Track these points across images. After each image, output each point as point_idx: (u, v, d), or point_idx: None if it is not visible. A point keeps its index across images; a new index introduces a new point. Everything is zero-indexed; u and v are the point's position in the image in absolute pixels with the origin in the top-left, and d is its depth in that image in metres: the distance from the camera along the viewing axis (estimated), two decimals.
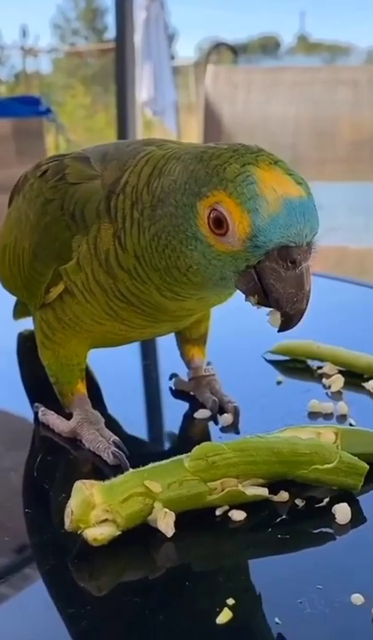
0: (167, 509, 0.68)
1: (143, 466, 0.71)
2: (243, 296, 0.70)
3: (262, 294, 0.68)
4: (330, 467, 0.72)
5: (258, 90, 3.02)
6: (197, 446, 0.72)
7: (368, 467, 0.73)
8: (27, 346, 1.14)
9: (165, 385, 1.00)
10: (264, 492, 0.72)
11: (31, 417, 0.93)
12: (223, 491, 0.71)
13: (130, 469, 0.71)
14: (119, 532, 0.67)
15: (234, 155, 0.68)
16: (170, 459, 0.72)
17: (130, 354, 1.11)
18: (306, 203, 0.66)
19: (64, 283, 0.81)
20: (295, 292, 0.66)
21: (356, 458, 0.73)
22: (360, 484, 0.73)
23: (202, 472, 0.70)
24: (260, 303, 0.69)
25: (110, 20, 12.85)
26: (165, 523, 0.68)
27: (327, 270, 2.82)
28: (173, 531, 0.68)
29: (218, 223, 0.67)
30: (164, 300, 0.77)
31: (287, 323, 0.69)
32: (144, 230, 0.74)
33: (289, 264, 0.66)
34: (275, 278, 0.66)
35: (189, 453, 0.72)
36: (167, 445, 0.89)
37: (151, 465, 0.71)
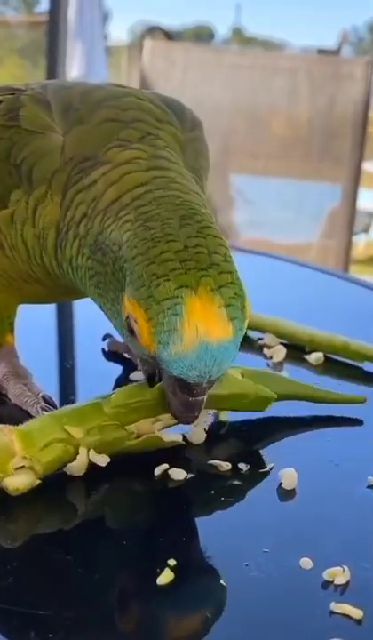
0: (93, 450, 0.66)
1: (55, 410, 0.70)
2: None
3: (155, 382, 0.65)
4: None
5: (196, 70, 2.98)
6: (118, 390, 0.69)
7: (276, 396, 0.76)
8: None
9: (97, 346, 0.95)
10: (178, 438, 0.70)
11: None
12: (139, 437, 0.68)
13: (44, 412, 0.69)
14: (38, 481, 0.64)
15: (179, 266, 0.58)
16: (87, 401, 0.69)
17: (59, 313, 1.06)
18: (225, 347, 0.58)
19: None
20: (185, 411, 0.62)
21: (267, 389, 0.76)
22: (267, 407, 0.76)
23: (122, 417, 0.68)
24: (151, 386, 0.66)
25: None
26: (97, 457, 0.66)
27: None
28: (108, 460, 0.66)
29: (130, 329, 0.61)
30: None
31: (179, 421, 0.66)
32: (82, 255, 0.66)
33: (181, 389, 0.61)
34: (171, 391, 0.62)
35: (106, 395, 0.69)
36: None
37: (68, 407, 0.68)
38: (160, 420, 0.70)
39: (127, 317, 0.61)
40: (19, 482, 0.62)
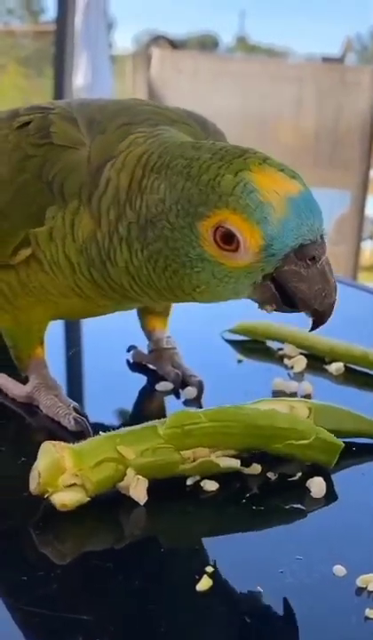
0: (140, 476, 0.66)
1: (111, 432, 0.69)
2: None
3: (280, 301, 0.66)
4: (306, 442, 0.70)
5: (203, 77, 3.00)
6: (173, 413, 0.69)
7: (343, 445, 0.72)
8: None
9: (122, 357, 0.97)
10: (236, 463, 0.70)
11: None
12: (195, 461, 0.69)
13: (101, 433, 0.68)
14: (88, 499, 0.64)
15: (221, 163, 0.64)
16: (144, 424, 0.69)
17: (86, 326, 1.08)
18: (307, 196, 0.64)
19: (32, 248, 0.76)
20: (321, 287, 0.64)
21: (332, 435, 0.72)
22: (334, 460, 0.72)
23: (176, 440, 0.68)
24: (278, 310, 0.67)
25: (48, 2, 12.64)
26: (138, 490, 0.65)
27: None
28: (146, 498, 0.65)
29: (228, 240, 0.64)
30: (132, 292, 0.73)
31: (319, 320, 0.67)
32: (136, 252, 0.69)
33: (309, 262, 0.64)
34: (298, 280, 0.64)
35: (163, 420, 0.69)
36: (127, 418, 0.86)
37: (124, 429, 0.68)
38: (218, 449, 0.70)
39: (214, 235, 0.64)
40: (67, 498, 0.63)
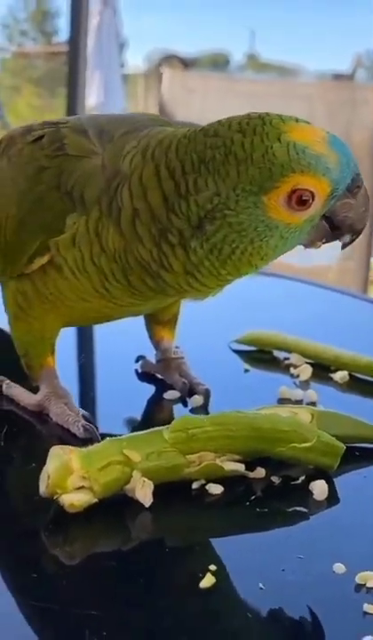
0: (145, 479, 0.68)
1: (118, 436, 0.71)
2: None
3: (331, 234, 0.74)
4: (308, 445, 0.72)
5: (214, 97, 3.04)
6: (177, 418, 0.71)
7: (344, 447, 0.74)
8: None
9: (131, 367, 0.99)
10: (241, 467, 0.72)
11: None
12: (201, 464, 0.70)
13: (108, 438, 0.70)
14: (96, 500, 0.66)
15: (259, 137, 0.68)
16: (150, 429, 0.71)
17: (96, 335, 1.10)
18: (333, 135, 0.70)
19: (50, 255, 0.79)
20: (365, 208, 0.73)
21: (334, 438, 0.73)
22: (336, 464, 0.73)
23: (182, 444, 0.70)
24: (327, 242, 0.75)
25: (60, 23, 12.78)
26: (143, 492, 0.67)
27: None
28: (151, 500, 0.67)
29: (302, 200, 0.69)
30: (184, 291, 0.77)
31: (356, 236, 0.75)
32: (194, 249, 0.72)
33: (356, 189, 0.71)
34: (347, 209, 0.72)
35: (168, 425, 0.71)
36: (135, 425, 0.88)
37: (130, 434, 0.70)
38: (224, 455, 0.72)
39: (288, 200, 0.68)
40: (75, 499, 0.65)
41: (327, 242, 0.75)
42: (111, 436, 0.72)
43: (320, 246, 0.75)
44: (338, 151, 0.69)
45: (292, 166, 0.67)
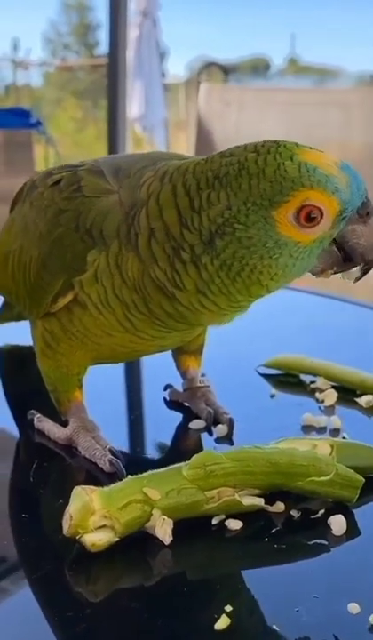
0: (165, 517, 0.69)
1: (139, 474, 0.72)
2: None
3: (341, 262, 0.75)
4: (326, 479, 0.73)
5: (250, 109, 3.04)
6: (196, 455, 0.72)
7: (363, 480, 0.74)
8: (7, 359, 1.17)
9: (159, 396, 1.01)
10: (260, 502, 0.73)
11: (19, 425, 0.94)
12: (220, 500, 0.72)
13: (129, 476, 0.72)
14: (117, 539, 0.68)
15: (272, 156, 0.70)
16: (169, 466, 0.72)
17: (125, 365, 1.12)
18: (345, 162, 0.72)
19: (74, 293, 0.81)
20: None
21: (352, 471, 0.74)
22: (355, 496, 0.74)
23: (200, 480, 0.71)
24: (337, 271, 0.76)
25: (102, 35, 12.90)
26: (163, 530, 0.69)
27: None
28: (170, 538, 0.69)
29: (310, 217, 0.70)
30: (200, 315, 0.78)
31: (370, 267, 0.75)
32: (205, 265, 0.73)
33: (366, 216, 0.72)
34: (358, 236, 0.73)
35: (188, 462, 0.72)
36: (162, 455, 0.90)
37: (150, 472, 0.72)
38: (243, 489, 0.73)
39: (297, 216, 0.70)
40: (97, 538, 0.67)
41: (337, 271, 0.76)
42: (138, 465, 0.74)
43: (330, 276, 0.76)
44: (349, 175, 0.71)
45: (302, 181, 0.69)
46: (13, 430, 0.95)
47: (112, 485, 0.70)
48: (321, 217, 0.71)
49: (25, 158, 4.98)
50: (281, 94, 3.14)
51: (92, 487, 0.69)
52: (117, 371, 1.11)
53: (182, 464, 0.72)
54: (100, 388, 1.03)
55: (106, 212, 0.79)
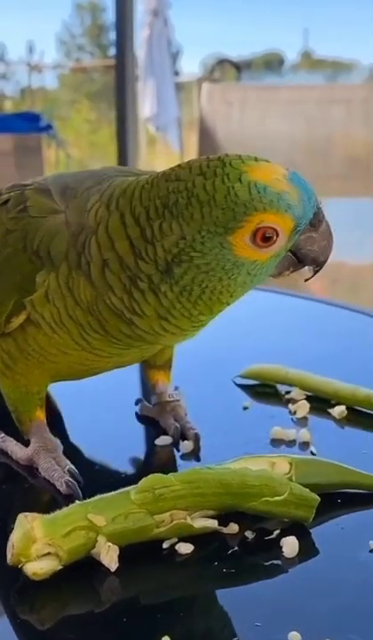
0: (110, 543, 0.67)
1: (98, 494, 0.71)
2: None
3: (297, 264, 0.75)
4: (281, 499, 0.71)
5: (253, 107, 3.02)
6: (144, 478, 0.70)
7: (319, 499, 0.72)
8: None
9: (131, 410, 0.99)
10: (213, 523, 0.71)
11: None
12: (171, 522, 0.70)
13: (77, 502, 0.70)
14: (61, 567, 0.66)
15: (219, 179, 0.68)
16: (118, 490, 0.71)
17: (97, 379, 1.11)
18: (293, 172, 0.71)
19: (26, 313, 0.80)
20: (327, 242, 0.74)
21: (308, 490, 0.72)
22: (311, 516, 0.72)
23: (149, 504, 0.69)
24: (294, 271, 0.76)
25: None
26: (109, 557, 0.67)
27: (322, 286, 2.82)
28: (117, 565, 0.67)
29: (267, 237, 0.69)
30: (161, 337, 0.77)
31: (320, 268, 0.77)
32: (164, 293, 0.72)
33: (318, 223, 0.72)
34: (311, 243, 0.73)
35: (135, 485, 0.70)
36: (126, 472, 0.87)
37: (97, 497, 0.70)
38: (197, 512, 0.71)
39: (253, 238, 0.69)
40: (38, 567, 0.65)
41: (294, 271, 0.77)
42: (100, 485, 0.73)
43: (287, 275, 0.77)
44: (299, 187, 0.70)
45: (255, 205, 0.68)
46: None
47: (57, 512, 0.69)
48: (277, 236, 0.70)
49: (35, 162, 4.99)
50: (283, 92, 3.12)
51: (34, 514, 0.67)
52: (90, 384, 1.10)
53: (131, 487, 0.71)
54: (73, 403, 1.02)
55: (53, 233, 0.78)
